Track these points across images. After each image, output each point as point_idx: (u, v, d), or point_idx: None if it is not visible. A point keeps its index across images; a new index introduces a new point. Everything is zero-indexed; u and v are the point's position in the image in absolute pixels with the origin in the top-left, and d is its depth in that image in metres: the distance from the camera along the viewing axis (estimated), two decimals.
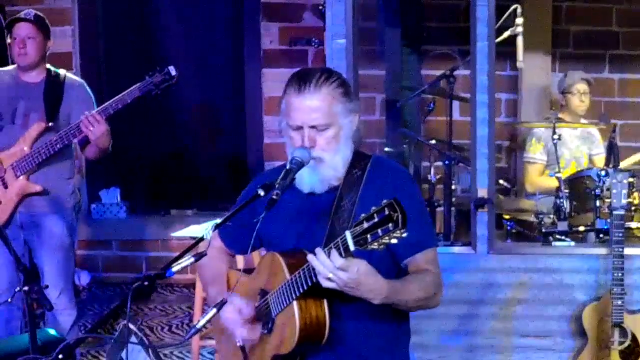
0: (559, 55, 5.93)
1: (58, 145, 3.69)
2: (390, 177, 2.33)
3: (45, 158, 3.71)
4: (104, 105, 3.67)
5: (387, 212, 1.84)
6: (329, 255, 1.99)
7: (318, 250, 2.02)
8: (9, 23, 3.82)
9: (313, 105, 2.23)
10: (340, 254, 1.96)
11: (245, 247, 2.38)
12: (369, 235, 1.87)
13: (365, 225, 1.88)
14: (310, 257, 2.02)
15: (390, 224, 1.83)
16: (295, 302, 2.12)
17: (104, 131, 3.66)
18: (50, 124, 3.73)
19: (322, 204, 2.30)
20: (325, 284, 2.02)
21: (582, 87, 5.01)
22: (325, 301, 2.14)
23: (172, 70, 3.64)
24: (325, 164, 2.26)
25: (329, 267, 1.98)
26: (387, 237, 1.85)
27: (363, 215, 1.90)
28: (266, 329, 2.26)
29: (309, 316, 2.12)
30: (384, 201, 1.86)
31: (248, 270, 2.43)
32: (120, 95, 3.65)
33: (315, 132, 2.24)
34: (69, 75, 3.91)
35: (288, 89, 2.28)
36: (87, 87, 3.93)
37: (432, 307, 2.33)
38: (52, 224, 3.83)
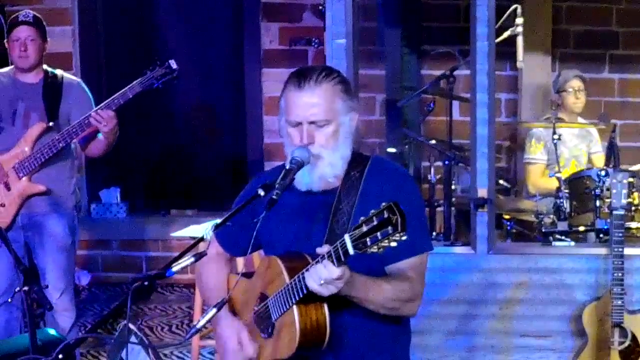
0: (559, 55, 5.92)
1: (61, 144, 3.69)
2: (389, 178, 2.31)
3: (48, 158, 3.71)
4: (106, 101, 3.67)
5: (386, 215, 1.82)
6: (320, 263, 1.97)
7: (312, 269, 2.00)
8: (9, 26, 3.81)
9: (313, 100, 2.22)
10: (339, 258, 1.93)
11: (243, 249, 2.37)
12: (368, 239, 1.85)
13: (365, 228, 1.85)
14: (308, 279, 2.01)
15: (389, 227, 1.81)
16: (295, 307, 2.09)
17: (114, 125, 3.67)
18: (50, 123, 3.73)
19: (321, 205, 2.28)
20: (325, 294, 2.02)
21: (577, 84, 5.00)
22: (325, 305, 2.11)
23: (173, 64, 3.65)
24: (323, 161, 2.24)
25: (327, 279, 1.97)
26: (386, 241, 1.83)
27: (362, 218, 1.88)
28: (266, 333, 2.25)
29: (309, 320, 2.10)
30: (383, 204, 1.84)
31: (248, 275, 2.41)
32: (122, 90, 3.66)
33: (314, 128, 2.23)
34: (67, 75, 3.91)
35: (287, 86, 2.27)
36: (85, 86, 3.93)
37: (407, 315, 2.31)
38: (54, 224, 3.82)
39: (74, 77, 3.95)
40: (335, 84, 2.25)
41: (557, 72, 5.69)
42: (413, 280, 2.24)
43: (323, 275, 1.96)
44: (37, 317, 4.06)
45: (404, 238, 1.83)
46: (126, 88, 3.65)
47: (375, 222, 1.84)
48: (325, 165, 2.25)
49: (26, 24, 3.76)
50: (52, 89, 3.80)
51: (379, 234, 1.83)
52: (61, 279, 3.81)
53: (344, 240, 1.91)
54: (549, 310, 3.74)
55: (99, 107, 3.67)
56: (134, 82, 3.64)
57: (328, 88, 2.23)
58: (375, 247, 1.85)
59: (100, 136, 3.79)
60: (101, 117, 3.62)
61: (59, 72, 3.89)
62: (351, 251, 1.89)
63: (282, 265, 2.17)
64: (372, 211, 1.86)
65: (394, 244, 1.84)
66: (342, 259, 1.94)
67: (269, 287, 2.23)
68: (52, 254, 3.80)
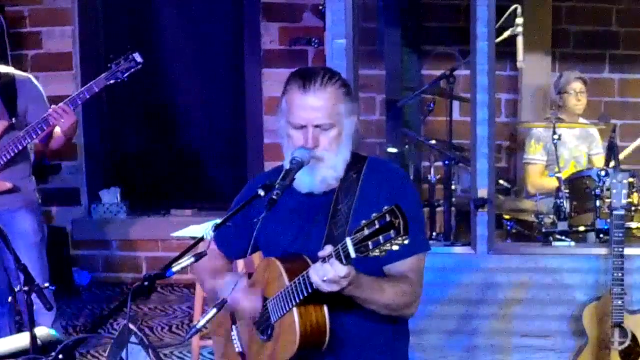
0: (559, 55, 5.92)
1: (26, 141, 3.67)
2: (387, 178, 2.32)
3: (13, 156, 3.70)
4: (72, 96, 3.68)
5: (388, 219, 1.82)
6: (323, 263, 1.96)
7: (318, 265, 1.99)
8: None
9: (318, 104, 2.22)
10: (341, 261, 1.93)
11: (241, 251, 2.38)
12: (370, 243, 1.84)
13: (366, 232, 1.85)
14: (311, 273, 2.00)
15: (391, 231, 1.81)
16: (295, 308, 2.09)
17: (73, 122, 3.67)
18: (13, 120, 3.72)
19: (319, 206, 2.29)
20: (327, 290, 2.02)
21: (578, 86, 5.00)
22: (325, 306, 2.11)
23: (138, 57, 3.66)
24: (325, 163, 2.25)
25: (333, 278, 1.96)
26: (388, 244, 1.83)
27: (364, 221, 1.87)
28: (265, 335, 2.24)
29: (309, 322, 2.10)
30: (385, 207, 1.84)
31: (248, 276, 2.41)
32: (87, 85, 3.66)
33: (319, 131, 2.23)
34: (16, 71, 3.89)
35: (290, 87, 2.26)
36: (36, 81, 3.91)
37: (406, 315, 2.32)
38: (22, 222, 3.79)
39: (23, 74, 3.91)
40: (338, 87, 2.26)
41: (557, 72, 5.70)
42: (412, 282, 2.24)
43: (329, 274, 1.95)
44: (18, 315, 4.04)
45: (406, 242, 1.83)
46: (92, 82, 3.65)
47: (377, 226, 1.84)
48: (328, 168, 2.26)
49: None
50: (7, 87, 3.77)
51: (381, 237, 1.83)
52: (37, 278, 3.77)
53: (345, 243, 1.90)
54: (549, 310, 3.74)
55: (65, 100, 3.66)
56: (100, 76, 3.65)
57: (332, 91, 2.24)
58: (377, 250, 1.85)
59: (58, 130, 3.77)
60: (58, 113, 3.61)
61: (9, 69, 3.88)
62: (353, 254, 1.89)
63: (281, 267, 2.16)
64: (374, 214, 1.86)
65: (396, 247, 1.84)
66: (344, 262, 1.93)
67: (268, 288, 2.23)
68: (24, 252, 3.71)
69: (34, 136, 3.69)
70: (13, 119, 3.72)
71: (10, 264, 3.78)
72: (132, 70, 3.66)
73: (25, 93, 3.80)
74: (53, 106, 3.65)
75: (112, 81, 3.65)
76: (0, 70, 3.83)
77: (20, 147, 3.68)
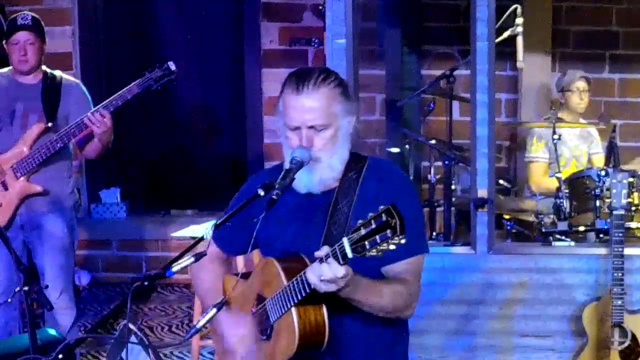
0: (559, 55, 5.93)
1: (58, 145, 3.69)
2: (387, 179, 2.31)
3: (45, 158, 3.71)
4: (104, 103, 3.67)
5: (384, 218, 1.81)
6: (321, 263, 1.97)
7: (316, 264, 1.99)
8: (7, 30, 3.79)
9: (312, 105, 2.20)
10: (338, 262, 1.93)
11: (241, 249, 2.37)
12: (367, 242, 1.84)
13: (363, 231, 1.84)
14: (309, 273, 1.99)
15: (388, 231, 1.80)
16: (293, 309, 2.08)
17: (109, 127, 3.67)
18: (49, 124, 3.73)
19: (319, 206, 2.28)
20: (324, 290, 2.02)
21: (582, 84, 5.00)
22: (324, 306, 2.11)
23: (172, 66, 3.66)
24: (322, 164, 2.24)
25: (331, 278, 1.96)
26: (385, 244, 1.82)
27: (360, 221, 1.87)
28: (265, 335, 2.24)
29: (308, 322, 2.09)
30: (381, 207, 1.83)
31: (245, 275, 2.41)
32: (120, 92, 3.66)
33: (313, 132, 2.22)
34: (65, 76, 3.91)
35: (286, 89, 2.25)
36: (84, 87, 3.93)
37: (403, 317, 2.31)
38: (53, 224, 3.83)
39: (72, 79, 3.95)
40: (333, 87, 2.24)
41: (557, 72, 5.71)
42: (410, 283, 2.23)
43: (327, 274, 1.95)
44: (37, 317, 4.05)
45: (403, 241, 1.82)
46: (124, 90, 3.65)
47: (373, 226, 1.83)
48: (324, 168, 2.25)
49: (25, 28, 3.74)
50: (51, 90, 3.79)
51: (377, 237, 1.82)
52: (60, 279, 3.82)
53: (342, 243, 1.90)
54: (549, 310, 3.74)
55: (96, 108, 3.68)
56: (132, 84, 3.65)
57: (326, 92, 2.22)
58: (374, 250, 1.84)
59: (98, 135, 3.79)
60: (95, 118, 3.62)
61: (57, 73, 3.89)
62: (350, 255, 1.88)
63: (279, 267, 2.16)
64: (370, 214, 1.85)
65: (392, 247, 1.83)
66: (341, 263, 1.93)
67: (266, 288, 2.22)
68: (51, 253, 3.81)
69: (66, 140, 3.70)
70: (50, 123, 3.73)
71: (39, 263, 3.81)
72: (166, 79, 3.66)
73: (69, 99, 3.82)
74: (95, 111, 3.65)
75: (144, 89, 3.64)
76: (48, 71, 3.84)
77: (52, 150, 3.69)
